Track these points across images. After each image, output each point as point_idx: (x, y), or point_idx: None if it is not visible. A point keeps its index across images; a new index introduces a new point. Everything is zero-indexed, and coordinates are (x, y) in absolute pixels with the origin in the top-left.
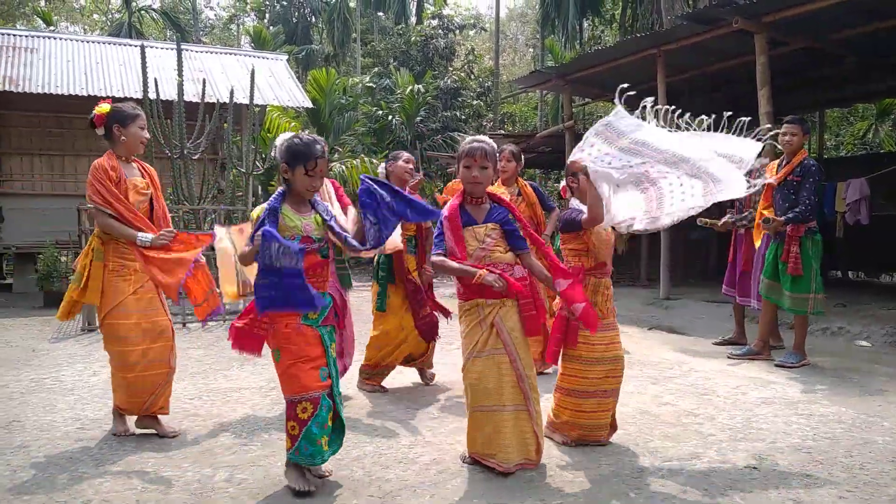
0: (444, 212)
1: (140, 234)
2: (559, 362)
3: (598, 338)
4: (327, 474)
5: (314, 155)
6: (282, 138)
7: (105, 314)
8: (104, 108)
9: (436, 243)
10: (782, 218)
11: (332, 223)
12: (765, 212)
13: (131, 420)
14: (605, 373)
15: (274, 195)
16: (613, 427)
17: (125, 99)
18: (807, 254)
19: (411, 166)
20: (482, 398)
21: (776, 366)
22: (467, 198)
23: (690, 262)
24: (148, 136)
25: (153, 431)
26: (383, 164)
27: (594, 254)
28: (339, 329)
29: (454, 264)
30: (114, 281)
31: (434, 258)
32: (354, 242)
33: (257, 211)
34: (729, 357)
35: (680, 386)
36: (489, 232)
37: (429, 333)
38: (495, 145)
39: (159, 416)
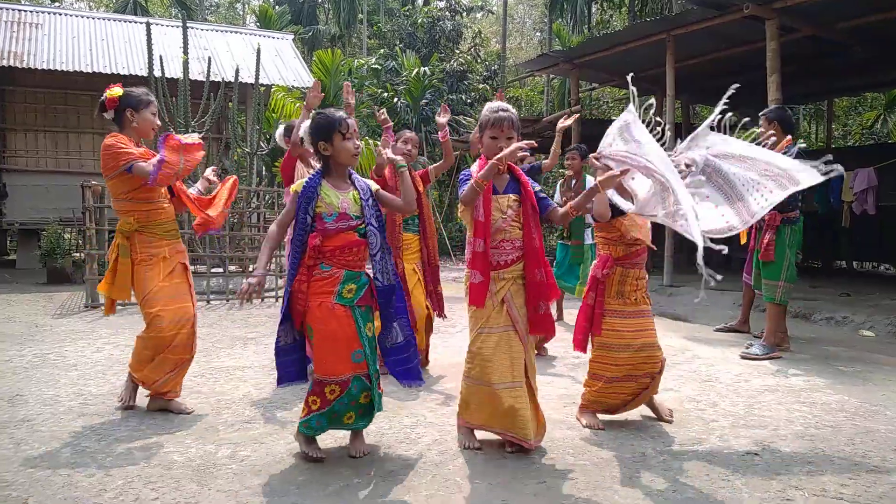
0: (474, 174)
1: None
2: (587, 350)
3: (626, 324)
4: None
5: (342, 118)
6: (304, 127)
7: (141, 302)
8: (116, 91)
9: (461, 189)
10: None
11: (370, 202)
12: None
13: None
14: (632, 359)
15: (313, 172)
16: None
17: (130, 76)
18: (782, 241)
19: (409, 147)
20: (492, 374)
21: (741, 357)
22: None
23: (694, 249)
24: (159, 123)
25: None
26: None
27: (625, 242)
28: (376, 310)
29: (473, 184)
30: (143, 271)
31: (465, 193)
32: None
33: (296, 186)
34: (745, 357)
35: (683, 372)
36: (511, 203)
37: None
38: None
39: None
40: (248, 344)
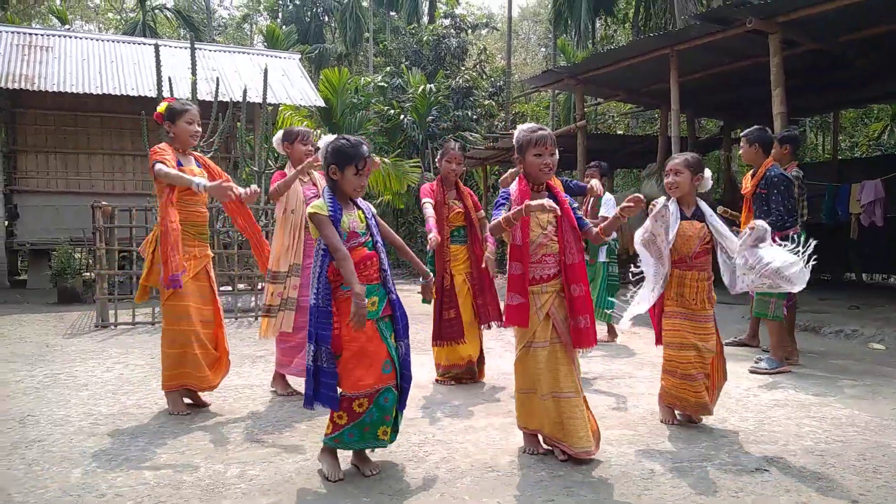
0: (513, 193)
1: (195, 179)
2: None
3: (686, 326)
4: (375, 472)
5: (363, 154)
6: (326, 140)
7: (167, 296)
8: (161, 107)
9: (495, 212)
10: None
11: (373, 220)
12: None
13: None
14: (692, 358)
15: (327, 195)
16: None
17: (140, 98)
18: None
19: (454, 165)
20: (540, 386)
21: (750, 371)
22: (532, 185)
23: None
24: (198, 129)
25: (166, 426)
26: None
27: (675, 248)
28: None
29: (504, 215)
30: None
31: (491, 224)
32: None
33: (316, 209)
34: (754, 372)
35: None
36: (551, 220)
37: (442, 339)
38: None
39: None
40: (256, 362)
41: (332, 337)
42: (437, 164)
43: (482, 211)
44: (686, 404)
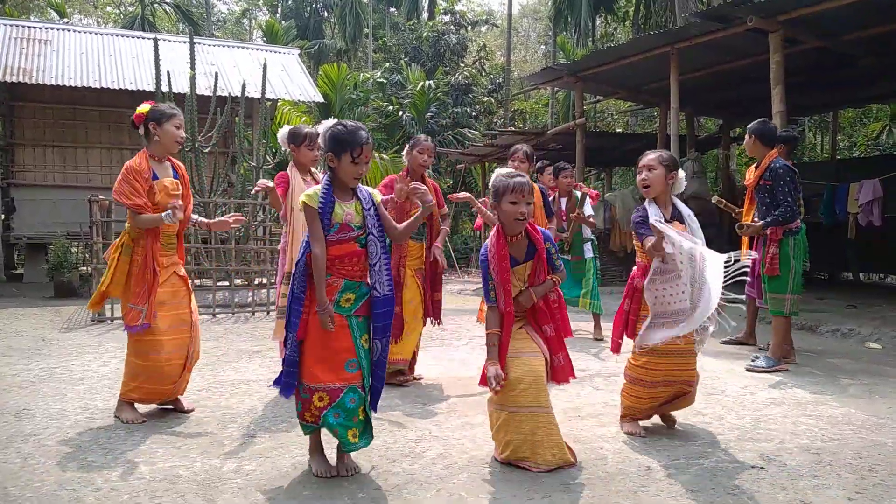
0: (491, 255)
1: (163, 213)
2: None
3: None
4: (352, 472)
5: (359, 142)
6: (325, 125)
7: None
8: (144, 107)
9: (486, 291)
10: (760, 223)
11: (372, 211)
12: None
13: (141, 407)
14: (670, 365)
15: (323, 184)
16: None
17: (138, 91)
18: (786, 254)
19: (425, 157)
20: (519, 399)
21: (747, 370)
22: (509, 238)
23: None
24: (184, 135)
25: (163, 421)
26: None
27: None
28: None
29: (493, 344)
30: (142, 274)
31: (488, 316)
32: (392, 224)
33: (307, 198)
34: (751, 370)
35: None
36: (528, 270)
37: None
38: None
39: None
40: (253, 357)
41: (300, 322)
42: (406, 157)
43: (445, 208)
44: (644, 412)
